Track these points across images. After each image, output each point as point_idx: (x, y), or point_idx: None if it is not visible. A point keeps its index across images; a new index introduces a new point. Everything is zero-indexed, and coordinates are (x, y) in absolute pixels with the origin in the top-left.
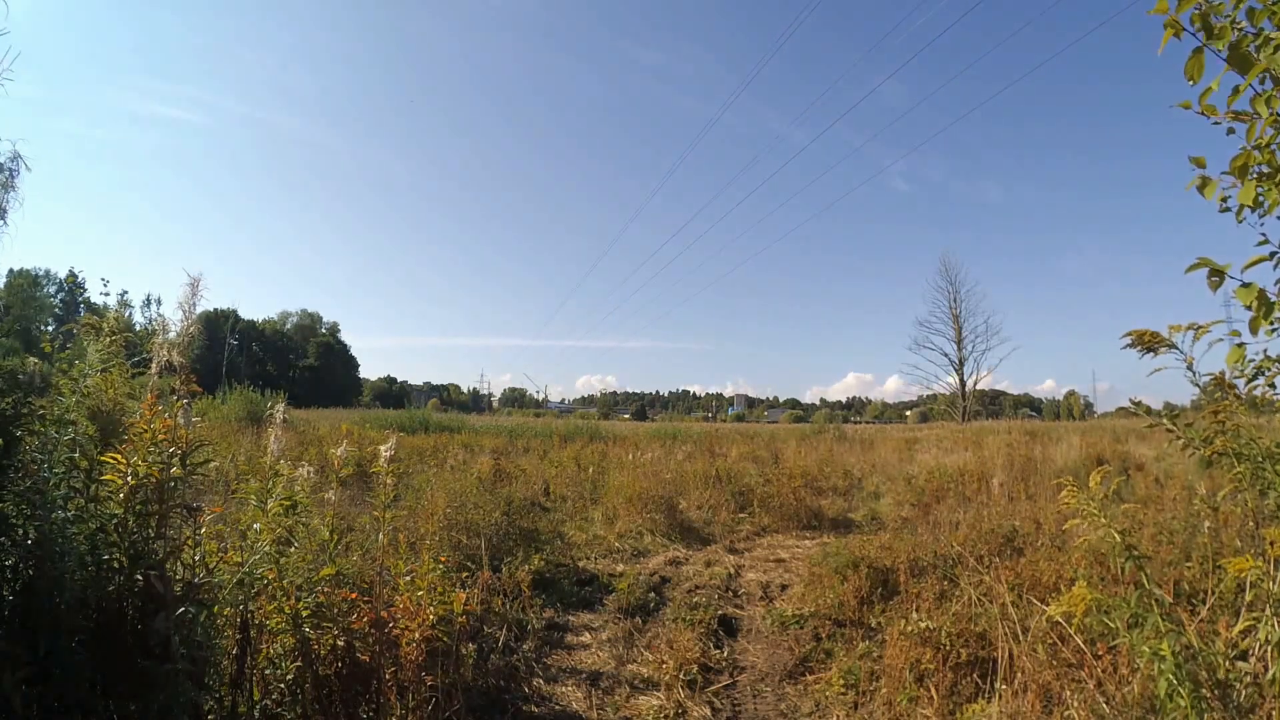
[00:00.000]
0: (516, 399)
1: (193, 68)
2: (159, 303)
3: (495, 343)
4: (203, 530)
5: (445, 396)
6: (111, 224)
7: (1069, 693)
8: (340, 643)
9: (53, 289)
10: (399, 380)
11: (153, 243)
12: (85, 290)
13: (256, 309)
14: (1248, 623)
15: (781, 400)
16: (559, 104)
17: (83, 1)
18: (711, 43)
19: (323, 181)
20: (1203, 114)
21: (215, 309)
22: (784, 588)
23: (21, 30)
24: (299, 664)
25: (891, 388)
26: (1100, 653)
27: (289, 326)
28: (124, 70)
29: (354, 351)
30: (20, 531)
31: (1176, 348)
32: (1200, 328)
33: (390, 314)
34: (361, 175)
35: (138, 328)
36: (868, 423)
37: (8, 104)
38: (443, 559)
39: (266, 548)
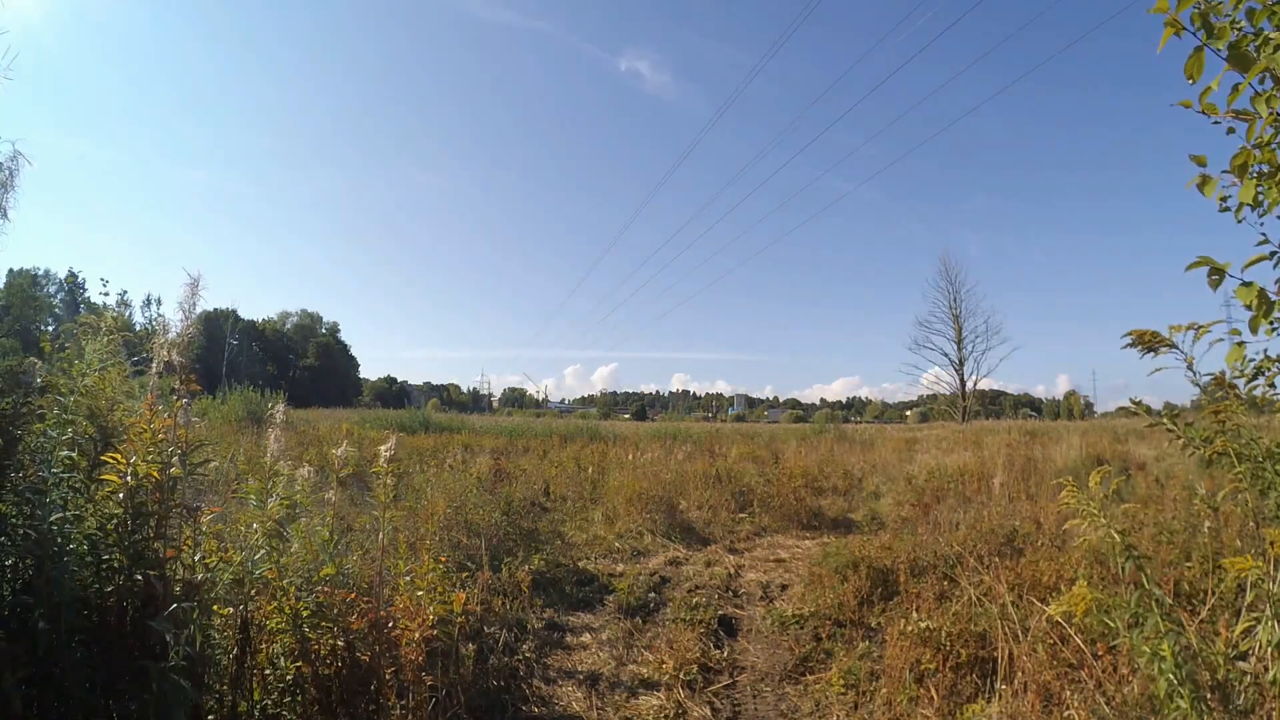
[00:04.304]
0: (517, 399)
1: (191, 69)
2: (159, 303)
3: (495, 354)
4: (203, 530)
5: (445, 396)
6: (110, 224)
7: (1069, 693)
8: (340, 643)
9: (52, 289)
10: (399, 380)
11: (152, 243)
12: (85, 290)
13: (256, 309)
14: (1248, 623)
15: (782, 400)
16: (558, 106)
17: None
18: (709, 46)
19: (322, 181)
20: (1203, 113)
21: (215, 309)
22: (784, 588)
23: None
24: (299, 664)
25: (880, 391)
26: (1100, 653)
27: (289, 326)
28: (118, 75)
29: (354, 352)
30: (20, 531)
31: (1177, 347)
32: (1200, 327)
33: (390, 316)
34: (363, 177)
35: (137, 328)
36: (868, 423)
37: (7, 103)
38: (442, 559)
39: (261, 542)
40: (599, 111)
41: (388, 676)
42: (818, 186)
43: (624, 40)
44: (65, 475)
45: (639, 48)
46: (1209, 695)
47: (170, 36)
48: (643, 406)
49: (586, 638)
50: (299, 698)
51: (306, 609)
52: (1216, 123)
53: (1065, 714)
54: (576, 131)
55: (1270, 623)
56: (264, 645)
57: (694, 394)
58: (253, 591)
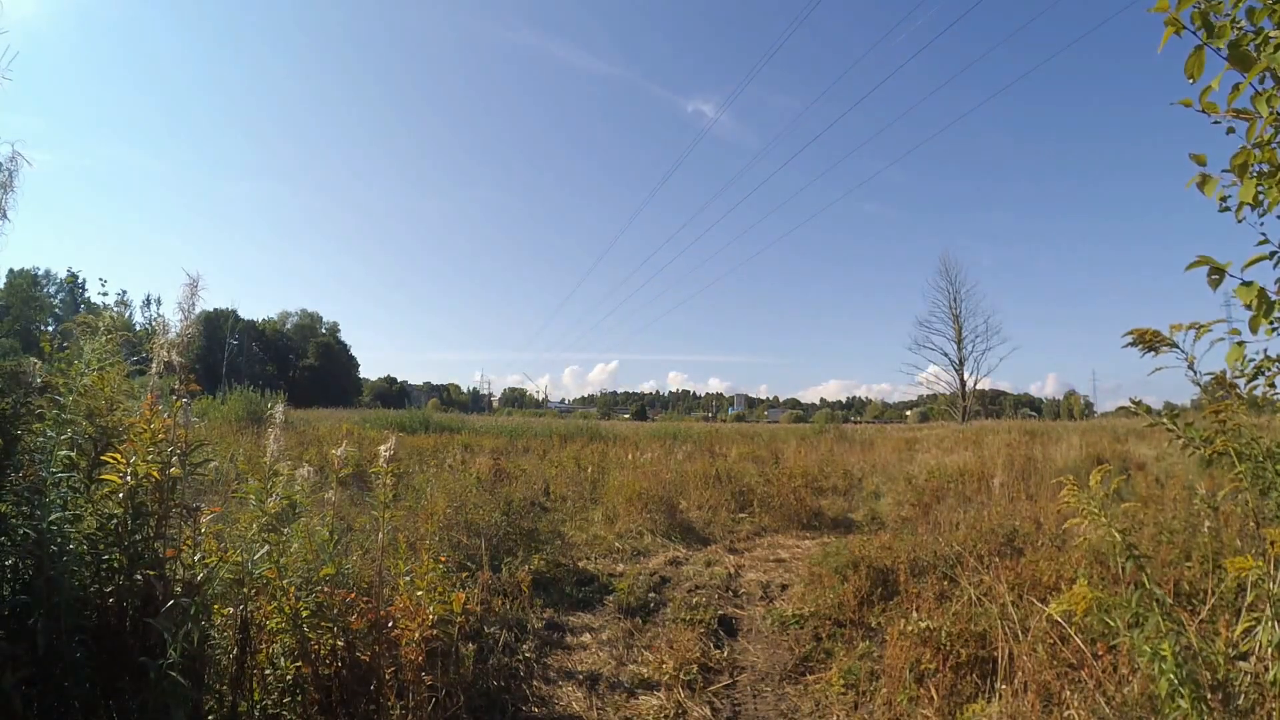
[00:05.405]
0: (517, 399)
1: (184, 68)
2: (158, 303)
3: (495, 355)
4: (203, 530)
5: (445, 396)
6: (110, 225)
7: (1069, 693)
8: (340, 643)
9: (52, 289)
10: (399, 380)
11: (152, 244)
12: (85, 290)
13: (256, 309)
14: (1248, 623)
15: (782, 400)
16: (556, 107)
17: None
18: (708, 51)
19: (324, 184)
20: (1203, 111)
21: (215, 309)
22: (784, 588)
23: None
24: (299, 664)
25: (873, 392)
26: (1100, 653)
27: (289, 326)
28: (107, 75)
29: (354, 352)
30: (20, 531)
31: (1178, 347)
32: (1201, 327)
33: (391, 316)
34: (363, 181)
35: (137, 328)
36: (868, 423)
37: (6, 104)
38: (442, 559)
39: (259, 538)
40: (598, 115)
41: (388, 676)
42: (811, 193)
43: (622, 45)
44: (65, 475)
45: (638, 53)
46: (1209, 695)
47: (178, 42)
48: (642, 406)
49: (586, 638)
50: (299, 698)
51: (306, 609)
52: (1216, 122)
53: (1065, 714)
54: (578, 134)
55: (1270, 623)
56: (264, 645)
57: (694, 394)
58: (253, 591)
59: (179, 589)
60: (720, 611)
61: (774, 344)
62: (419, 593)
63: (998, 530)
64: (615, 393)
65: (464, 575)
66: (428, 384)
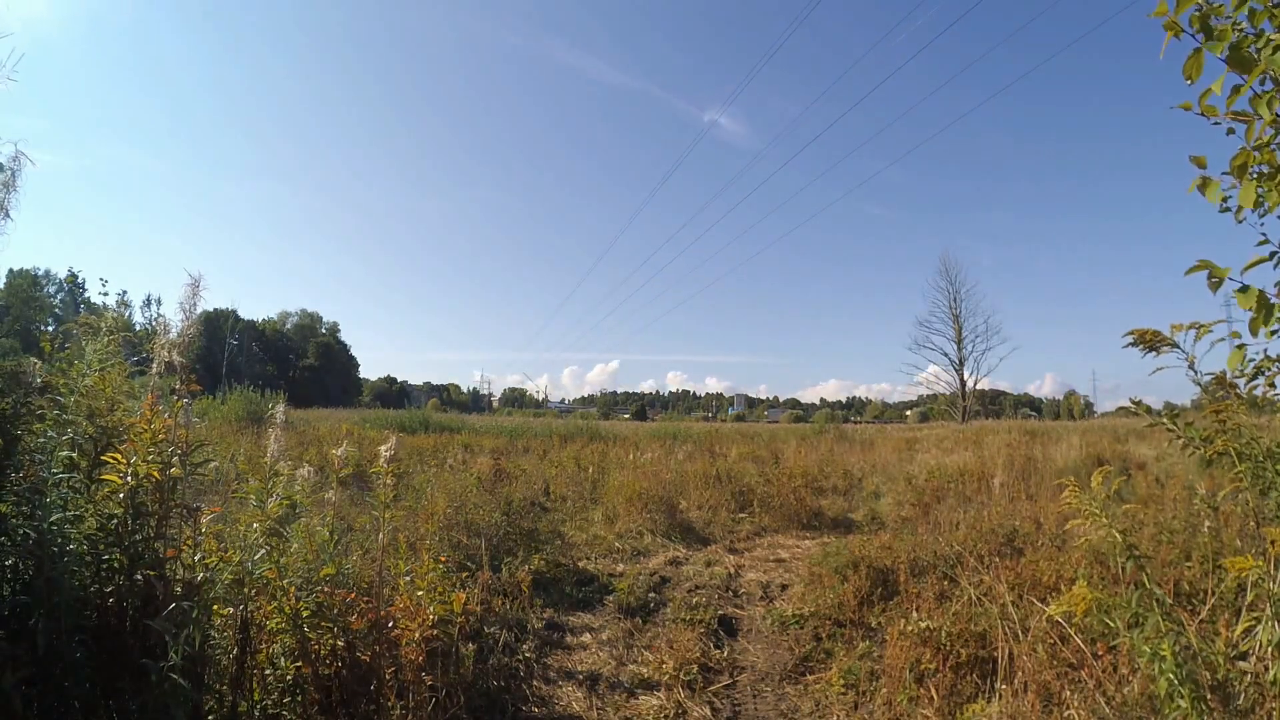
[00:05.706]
0: (516, 399)
1: (185, 69)
2: (159, 303)
3: (495, 355)
4: (203, 530)
5: (445, 396)
6: (110, 224)
7: (1069, 693)
8: (340, 643)
9: (52, 289)
10: (399, 380)
11: (152, 243)
12: (85, 290)
13: (256, 309)
14: (1248, 623)
15: (782, 400)
16: (556, 107)
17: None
18: (708, 52)
19: (325, 185)
20: (1203, 114)
21: (215, 309)
22: (784, 588)
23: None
24: (299, 664)
25: (871, 392)
26: (1100, 653)
27: (289, 326)
28: (108, 76)
29: (354, 352)
30: (20, 531)
31: (1178, 347)
32: (1202, 327)
33: (391, 316)
34: (364, 182)
35: (138, 328)
36: (868, 423)
37: (9, 104)
38: (442, 559)
39: (261, 542)
40: (598, 115)
41: (388, 676)
42: (811, 193)
43: (623, 46)
44: (65, 475)
45: (638, 54)
46: (1209, 695)
47: (179, 43)
48: (642, 406)
49: (586, 638)
50: (299, 698)
51: (306, 609)
52: (1216, 124)
53: (1065, 714)
54: (578, 135)
55: (1270, 622)
56: (264, 645)
57: (693, 394)
58: (253, 591)
59: (179, 589)
60: (720, 611)
61: (774, 344)
62: (419, 593)
63: (998, 530)
64: (615, 393)
65: (464, 575)
66: (428, 384)
